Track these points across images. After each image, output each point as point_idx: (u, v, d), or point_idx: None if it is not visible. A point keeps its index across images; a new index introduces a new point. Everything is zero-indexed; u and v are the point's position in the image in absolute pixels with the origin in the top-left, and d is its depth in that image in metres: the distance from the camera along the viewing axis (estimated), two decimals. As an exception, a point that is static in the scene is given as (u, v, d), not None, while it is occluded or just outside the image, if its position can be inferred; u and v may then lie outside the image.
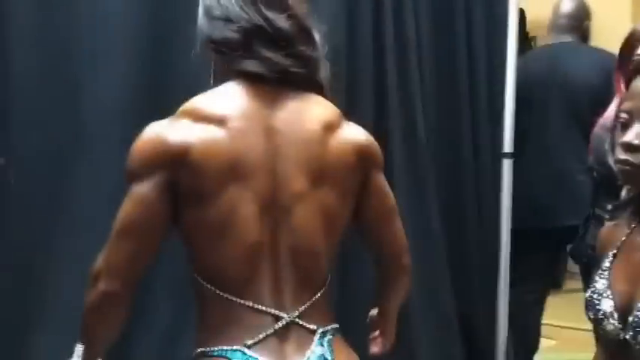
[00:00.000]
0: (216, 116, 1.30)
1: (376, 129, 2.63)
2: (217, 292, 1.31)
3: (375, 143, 1.48)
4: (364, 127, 1.47)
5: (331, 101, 1.45)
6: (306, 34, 1.38)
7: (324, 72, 1.42)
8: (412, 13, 2.72)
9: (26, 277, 2.02)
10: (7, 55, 2.00)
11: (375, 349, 1.62)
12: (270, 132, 1.33)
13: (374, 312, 1.64)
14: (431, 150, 2.82)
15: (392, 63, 2.68)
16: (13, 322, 1.98)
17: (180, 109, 1.34)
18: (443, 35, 2.88)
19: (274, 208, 1.32)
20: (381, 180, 1.48)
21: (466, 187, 2.95)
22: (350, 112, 2.53)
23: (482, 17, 2.95)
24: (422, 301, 2.64)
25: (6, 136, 2.00)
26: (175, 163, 1.28)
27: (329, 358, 1.32)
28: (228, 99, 1.34)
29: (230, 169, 1.29)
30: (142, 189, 1.30)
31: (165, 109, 1.39)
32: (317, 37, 1.41)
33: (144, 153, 1.31)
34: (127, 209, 1.31)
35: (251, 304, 1.30)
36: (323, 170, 1.35)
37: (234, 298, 1.30)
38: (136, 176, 1.31)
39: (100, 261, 1.32)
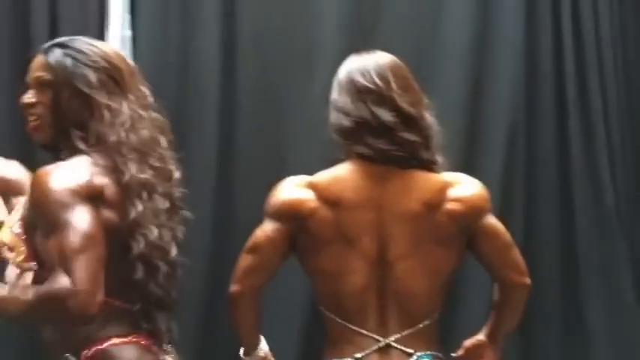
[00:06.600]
0: (333, 198, 1.71)
1: (561, 197, 2.55)
2: (334, 317, 1.73)
3: (477, 195, 1.71)
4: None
5: (439, 169, 1.72)
6: (408, 123, 1.69)
7: (432, 148, 1.71)
8: (595, 64, 2.58)
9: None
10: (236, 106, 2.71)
11: None
12: (378, 209, 1.71)
13: (471, 341, 1.84)
14: (624, 221, 2.55)
15: (575, 118, 2.56)
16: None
17: (311, 180, 1.73)
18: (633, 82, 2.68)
19: (382, 263, 1.70)
20: (488, 225, 1.73)
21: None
22: (531, 182, 2.42)
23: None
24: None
25: (230, 179, 2.71)
26: (299, 224, 1.72)
27: None
28: (345, 180, 1.72)
29: (338, 236, 1.71)
30: (271, 227, 1.74)
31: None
32: (427, 118, 1.71)
33: (285, 205, 1.73)
34: (257, 234, 1.75)
35: (358, 329, 1.70)
36: (425, 238, 1.69)
37: (346, 324, 1.71)
38: (271, 216, 1.74)
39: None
